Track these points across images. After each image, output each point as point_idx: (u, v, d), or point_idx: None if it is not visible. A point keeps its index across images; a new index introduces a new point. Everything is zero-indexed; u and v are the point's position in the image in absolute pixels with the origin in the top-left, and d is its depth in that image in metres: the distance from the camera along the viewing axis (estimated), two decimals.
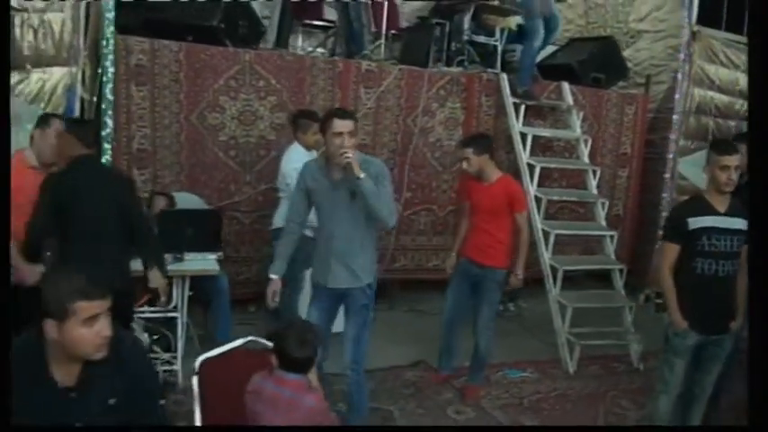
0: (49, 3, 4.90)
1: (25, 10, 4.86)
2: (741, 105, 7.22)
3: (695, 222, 3.52)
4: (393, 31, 7.34)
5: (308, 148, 4.71)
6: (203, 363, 2.73)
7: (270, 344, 2.83)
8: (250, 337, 2.88)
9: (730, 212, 3.51)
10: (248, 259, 5.53)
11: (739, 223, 3.48)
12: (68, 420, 2.06)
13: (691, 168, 6.85)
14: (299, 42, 7.45)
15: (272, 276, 3.65)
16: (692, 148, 7.02)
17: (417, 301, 6.16)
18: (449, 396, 4.58)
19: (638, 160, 7.09)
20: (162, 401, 2.24)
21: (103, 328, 2.00)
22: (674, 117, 6.85)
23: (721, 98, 7.15)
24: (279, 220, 4.62)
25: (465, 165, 4.53)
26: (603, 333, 5.45)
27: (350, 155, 3.38)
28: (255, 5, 6.58)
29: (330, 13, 7.70)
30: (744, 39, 6.99)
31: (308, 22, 7.47)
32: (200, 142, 5.39)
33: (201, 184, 5.40)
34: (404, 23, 7.85)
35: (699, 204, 3.59)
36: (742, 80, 7.17)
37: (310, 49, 7.33)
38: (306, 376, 2.48)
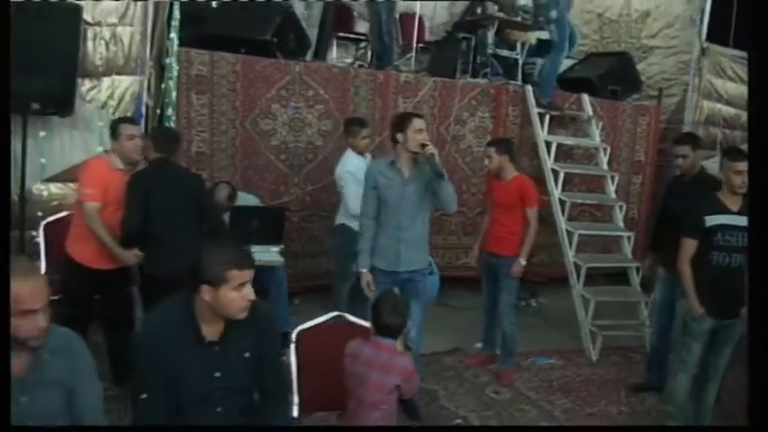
0: (120, 17, 5.40)
1: (98, 24, 5.35)
2: (746, 118, 7.71)
3: (711, 220, 4.00)
4: (421, 45, 7.86)
5: (360, 152, 5.17)
6: (298, 333, 3.20)
7: (352, 318, 3.32)
8: (336, 313, 3.35)
9: (742, 211, 3.97)
10: (295, 254, 5.98)
11: (744, 221, 3.95)
12: (211, 369, 2.52)
13: None
14: (333, 54, 7.94)
15: (363, 270, 4.16)
16: (706, 157, 7.50)
17: (448, 296, 6.61)
18: (486, 378, 5.04)
19: (651, 167, 7.57)
20: (282, 357, 2.68)
21: (249, 293, 2.46)
22: (685, 127, 7.36)
23: (728, 110, 7.66)
24: (340, 217, 5.10)
25: (487, 161, 5.12)
26: (622, 326, 5.93)
27: (432, 147, 3.90)
28: None
29: (362, 27, 8.23)
30: (745, 55, 7.51)
31: (341, 34, 7.98)
32: (253, 146, 5.88)
33: (254, 185, 5.87)
34: (430, 37, 8.40)
35: (715, 204, 4.06)
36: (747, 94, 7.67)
37: (349, 60, 7.83)
38: (396, 341, 2.96)
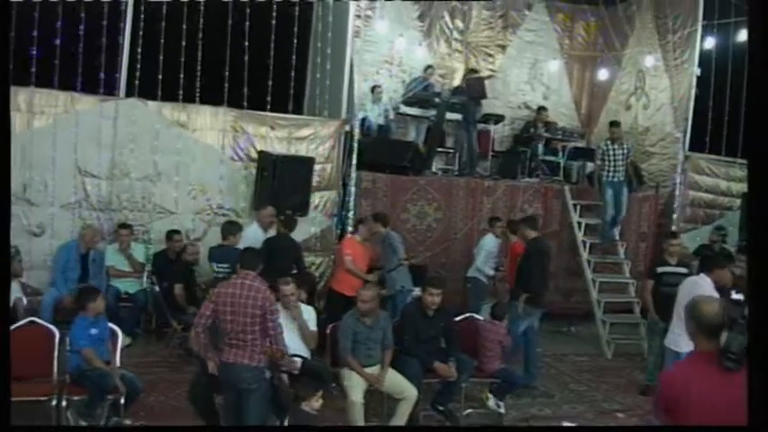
0: (325, 158, 9.33)
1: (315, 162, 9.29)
2: (721, 200, 11.28)
3: (660, 269, 7.62)
4: (492, 153, 11.69)
5: (497, 235, 8.94)
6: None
7: (476, 315, 7.04)
8: (468, 314, 7.08)
9: (676, 264, 7.59)
10: None
11: (681, 269, 7.52)
12: (428, 328, 6.24)
13: (688, 241, 10.83)
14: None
15: None
16: (688, 228, 11.02)
17: None
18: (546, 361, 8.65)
19: (652, 236, 11.08)
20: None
21: (438, 299, 6.19)
22: (676, 208, 10.92)
23: (707, 196, 11.22)
24: (472, 272, 8.77)
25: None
26: (627, 337, 9.44)
27: None
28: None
29: (449, 141, 12.05)
30: (719, 157, 11.12)
31: (438, 149, 11.77)
32: (395, 228, 9.62)
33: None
34: (497, 147, 12.20)
35: (662, 260, 7.69)
36: (721, 185, 11.28)
37: (441, 166, 11.65)
38: (502, 323, 6.68)
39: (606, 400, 7.55)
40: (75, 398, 5.37)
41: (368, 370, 5.87)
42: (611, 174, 10.01)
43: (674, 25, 11.33)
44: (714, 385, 3.22)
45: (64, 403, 5.28)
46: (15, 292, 6.86)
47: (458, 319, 6.90)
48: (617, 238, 10.32)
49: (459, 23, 12.51)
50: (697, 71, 10.84)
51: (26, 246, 8.01)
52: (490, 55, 12.78)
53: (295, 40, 9.16)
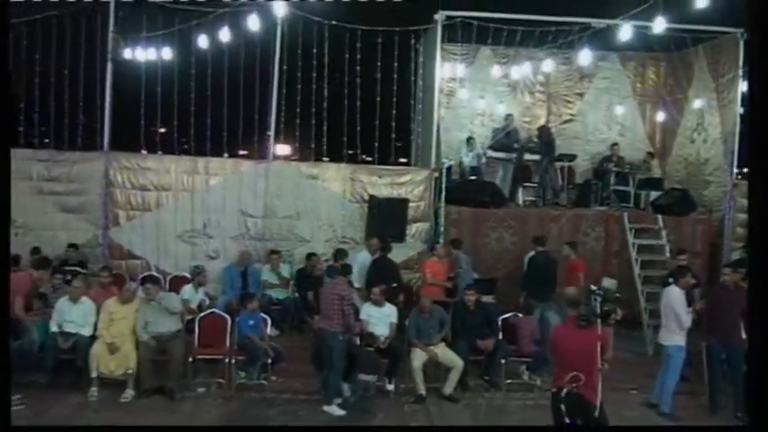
0: (420, 198, 12.22)
1: (410, 201, 12.21)
2: None
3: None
4: (570, 186, 14.06)
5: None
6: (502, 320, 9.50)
7: (520, 315, 9.63)
8: (510, 313, 9.64)
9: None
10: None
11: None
12: (470, 319, 8.92)
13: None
14: (520, 195, 14.24)
15: None
16: (738, 247, 12.79)
17: None
18: None
19: (705, 254, 12.94)
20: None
21: (474, 298, 8.89)
22: (726, 230, 12.77)
23: None
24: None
25: (565, 251, 11.05)
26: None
27: None
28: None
29: (534, 176, 14.52)
30: None
31: (525, 184, 14.27)
32: (478, 250, 12.27)
33: (477, 269, 12.23)
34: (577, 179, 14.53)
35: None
36: None
37: (530, 198, 14.14)
38: (532, 316, 9.23)
39: (626, 381, 9.77)
40: (240, 358, 8.63)
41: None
42: None
43: (722, 69, 13.27)
44: (573, 337, 5.95)
45: (233, 361, 8.58)
46: (201, 295, 10.32)
47: (505, 316, 9.54)
48: None
49: (541, 77, 15.04)
50: (740, 110, 12.70)
51: (206, 266, 11.40)
52: (569, 102, 15.26)
53: (394, 110, 12.27)
